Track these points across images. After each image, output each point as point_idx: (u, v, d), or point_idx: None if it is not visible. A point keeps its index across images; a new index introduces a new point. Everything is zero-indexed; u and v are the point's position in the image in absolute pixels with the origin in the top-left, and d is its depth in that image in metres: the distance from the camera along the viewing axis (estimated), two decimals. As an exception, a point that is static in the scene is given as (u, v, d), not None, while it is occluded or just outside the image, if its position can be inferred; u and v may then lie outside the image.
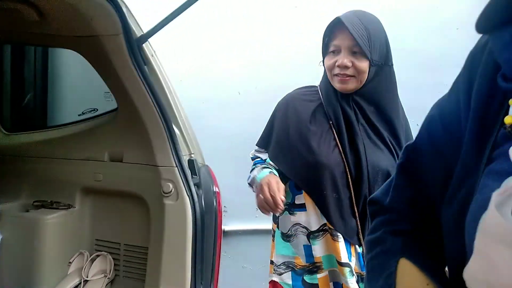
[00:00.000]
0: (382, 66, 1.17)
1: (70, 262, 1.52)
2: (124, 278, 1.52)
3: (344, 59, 1.15)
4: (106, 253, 1.53)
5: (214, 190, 1.35)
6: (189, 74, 2.11)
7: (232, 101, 2.15)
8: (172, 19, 1.27)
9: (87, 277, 1.46)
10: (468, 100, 0.47)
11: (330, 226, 1.17)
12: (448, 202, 0.49)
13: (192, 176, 1.33)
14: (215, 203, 1.33)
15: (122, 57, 1.26)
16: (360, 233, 1.18)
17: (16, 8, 1.30)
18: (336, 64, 1.16)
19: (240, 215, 2.03)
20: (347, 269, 1.14)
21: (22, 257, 1.49)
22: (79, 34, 1.33)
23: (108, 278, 1.48)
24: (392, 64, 1.21)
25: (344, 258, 1.15)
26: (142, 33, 1.31)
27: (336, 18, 1.16)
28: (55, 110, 2.16)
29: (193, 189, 1.29)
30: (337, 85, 1.18)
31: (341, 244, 1.16)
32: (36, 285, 1.46)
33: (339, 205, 1.18)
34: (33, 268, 1.48)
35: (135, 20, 1.34)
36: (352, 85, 1.17)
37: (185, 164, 1.32)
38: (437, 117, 0.55)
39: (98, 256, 1.53)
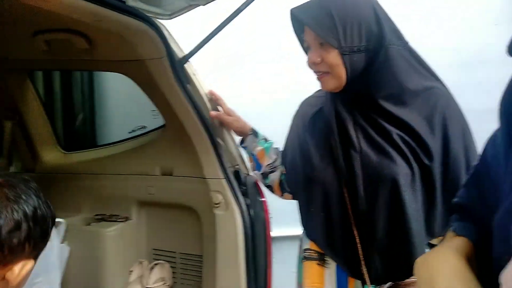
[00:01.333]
0: (375, 50, 0.93)
1: (130, 271, 1.63)
2: (182, 285, 1.61)
3: (312, 55, 0.97)
4: (163, 261, 1.62)
5: (261, 198, 1.40)
6: (227, 88, 2.18)
7: (268, 109, 2.19)
8: (210, 39, 1.33)
9: (148, 284, 1.56)
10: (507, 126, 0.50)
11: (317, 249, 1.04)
12: (498, 209, 0.52)
13: (239, 187, 1.38)
14: (262, 211, 1.38)
15: (166, 78, 1.33)
16: (363, 265, 0.95)
17: (68, 38, 1.41)
18: (308, 62, 1.00)
19: (285, 221, 2.07)
20: None
21: (87, 266, 1.61)
22: (126, 58, 1.41)
23: (167, 285, 1.57)
24: (393, 45, 0.94)
25: None
26: (184, 54, 1.38)
27: (290, 11, 0.99)
28: (103, 129, 2.30)
29: (241, 199, 1.34)
30: (320, 85, 1.02)
31: (329, 272, 1.01)
32: (102, 292, 1.57)
33: (329, 226, 1.00)
34: (97, 277, 1.60)
35: (176, 42, 1.41)
36: (331, 83, 0.97)
37: (232, 175, 1.38)
38: (491, 139, 0.60)
39: (156, 264, 1.63)
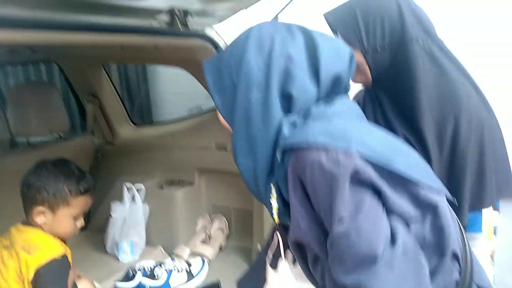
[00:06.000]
0: (398, 47, 0.94)
1: (196, 222, 2.08)
2: (236, 234, 2.04)
3: None
4: (221, 215, 2.05)
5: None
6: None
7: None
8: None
9: (210, 232, 2.01)
10: None
11: None
12: None
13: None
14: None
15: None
16: None
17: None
18: None
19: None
20: None
21: (163, 220, 2.02)
22: (185, 59, 1.75)
23: (225, 233, 2.01)
24: (415, 39, 0.94)
25: None
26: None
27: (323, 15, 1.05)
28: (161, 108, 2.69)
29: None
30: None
31: None
32: (175, 240, 2.02)
33: None
34: (171, 228, 2.02)
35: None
36: (358, 78, 1.03)
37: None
38: None
39: (215, 217, 2.05)
